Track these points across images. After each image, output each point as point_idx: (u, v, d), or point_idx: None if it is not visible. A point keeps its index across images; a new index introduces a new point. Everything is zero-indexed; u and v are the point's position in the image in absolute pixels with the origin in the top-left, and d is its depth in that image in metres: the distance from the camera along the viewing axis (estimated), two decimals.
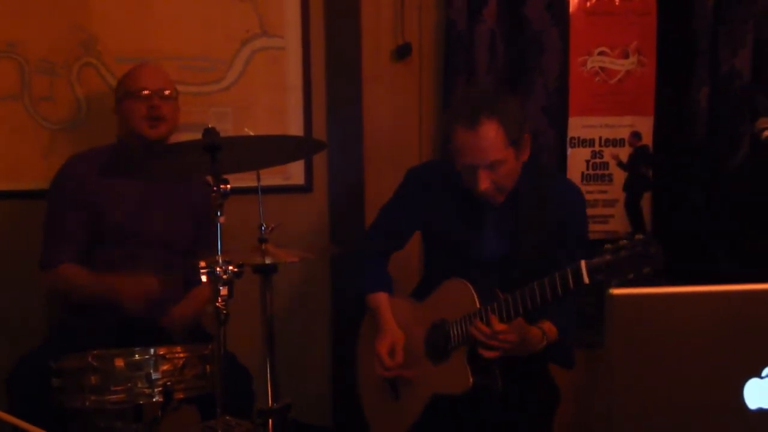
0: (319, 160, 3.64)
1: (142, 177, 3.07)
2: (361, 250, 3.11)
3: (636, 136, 3.74)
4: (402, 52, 3.63)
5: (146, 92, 3.08)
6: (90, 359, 2.52)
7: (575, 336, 2.96)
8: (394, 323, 2.95)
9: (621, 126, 3.74)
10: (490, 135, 2.65)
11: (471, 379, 2.66)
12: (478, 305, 2.68)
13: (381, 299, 3.00)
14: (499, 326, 2.57)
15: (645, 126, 3.75)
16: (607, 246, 2.31)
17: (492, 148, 2.66)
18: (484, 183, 2.68)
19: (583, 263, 2.36)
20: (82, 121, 3.48)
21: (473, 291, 2.71)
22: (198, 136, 2.39)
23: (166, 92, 3.11)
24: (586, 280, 2.35)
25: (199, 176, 3.14)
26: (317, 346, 3.73)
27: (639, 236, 2.28)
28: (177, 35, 3.52)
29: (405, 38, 3.63)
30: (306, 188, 3.68)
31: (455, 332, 2.74)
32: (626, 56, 3.71)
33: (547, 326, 2.69)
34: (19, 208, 3.46)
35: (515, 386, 2.71)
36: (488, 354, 2.60)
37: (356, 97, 3.64)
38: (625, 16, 3.71)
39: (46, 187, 3.24)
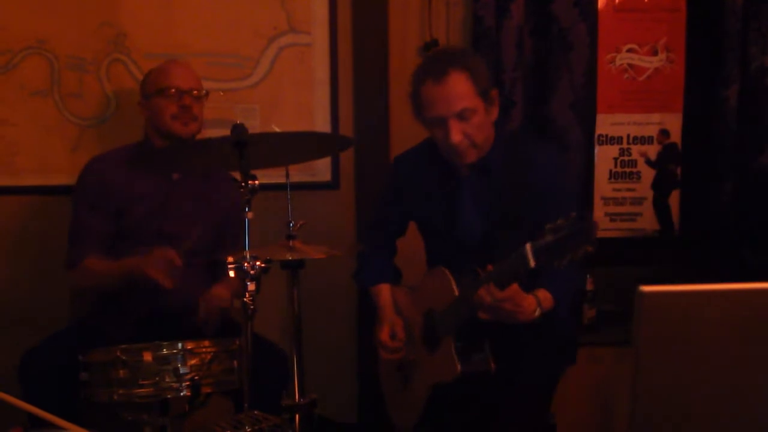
0: (346, 156, 3.65)
1: (170, 172, 3.10)
2: (362, 244, 3.15)
3: (664, 133, 3.72)
4: (429, 48, 3.62)
5: (178, 91, 3.07)
6: (118, 353, 2.54)
7: (574, 327, 2.92)
8: (392, 312, 2.99)
9: (649, 123, 3.72)
10: (459, 85, 2.66)
11: (459, 367, 2.66)
12: (456, 293, 2.68)
13: (381, 291, 3.04)
14: (500, 294, 2.50)
15: (674, 123, 3.73)
16: (548, 226, 2.24)
17: (461, 96, 2.65)
18: (456, 135, 2.67)
19: (528, 246, 2.30)
20: (111, 117, 3.51)
21: (451, 279, 2.71)
22: (226, 132, 2.40)
23: (196, 92, 3.11)
24: (532, 263, 2.30)
25: (226, 176, 3.15)
26: (344, 343, 3.74)
27: (574, 214, 2.21)
28: (205, 32, 3.53)
29: (432, 34, 3.62)
30: (333, 185, 3.69)
31: (441, 321, 2.75)
32: (655, 53, 3.69)
33: (542, 294, 2.63)
34: (47, 203, 3.49)
35: (509, 368, 2.68)
36: (484, 316, 2.58)
37: (383, 93, 3.64)
38: (653, 13, 3.69)
39: (74, 183, 3.27)
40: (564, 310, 2.74)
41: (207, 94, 3.16)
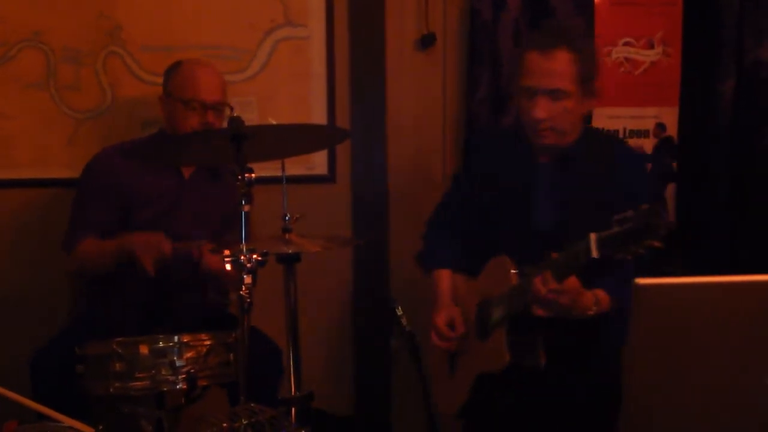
0: (343, 150, 3.64)
1: (166, 164, 3.09)
2: (430, 224, 3.08)
3: (660, 127, 3.73)
4: (426, 42, 3.62)
5: (203, 104, 3.04)
6: (115, 346, 2.54)
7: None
8: (449, 298, 2.91)
9: (645, 117, 3.72)
10: (562, 63, 2.63)
11: (508, 357, 2.59)
12: (514, 282, 2.62)
13: (441, 276, 2.96)
14: (557, 286, 2.45)
15: (670, 117, 3.73)
16: (616, 218, 2.20)
17: (559, 75, 2.63)
18: (541, 111, 2.64)
19: (593, 236, 2.27)
20: (108, 110, 3.49)
21: (512, 268, 2.64)
22: (222, 124, 2.40)
23: (221, 104, 3.08)
24: (594, 253, 2.25)
25: (231, 174, 3.13)
26: (340, 336, 3.74)
27: (644, 206, 2.16)
28: (202, 24, 3.52)
29: (429, 28, 3.61)
30: (329, 178, 3.68)
31: (495, 309, 2.69)
32: (651, 47, 3.69)
33: (601, 294, 2.58)
34: (44, 197, 3.48)
35: (561, 367, 2.63)
36: (538, 311, 2.51)
37: (380, 86, 3.64)
38: (650, 7, 3.69)
39: (71, 176, 3.27)
40: (622, 316, 2.68)
41: (232, 109, 3.13)
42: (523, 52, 2.71)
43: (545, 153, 2.79)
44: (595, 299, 2.57)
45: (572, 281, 2.47)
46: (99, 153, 3.16)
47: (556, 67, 2.63)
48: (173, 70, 3.14)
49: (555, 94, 2.64)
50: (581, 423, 2.68)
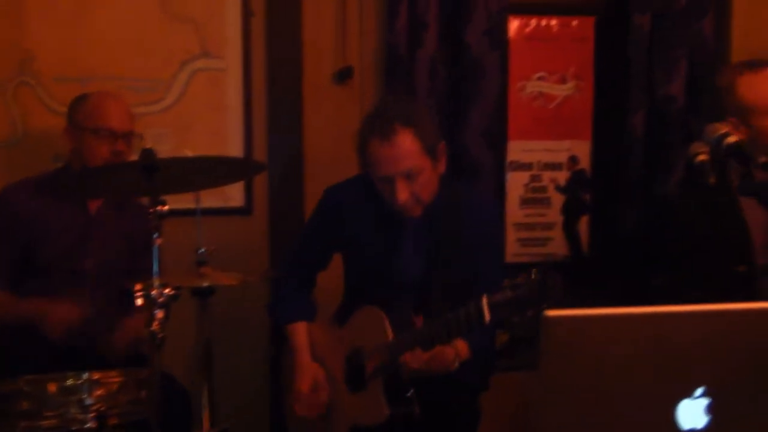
0: (259, 182, 3.62)
1: (79, 198, 3.03)
2: (280, 278, 3.08)
3: (573, 160, 3.80)
4: (343, 75, 3.63)
5: (113, 133, 3.00)
6: (21, 384, 2.46)
7: (491, 355, 2.96)
8: (309, 358, 2.92)
9: (559, 150, 3.79)
10: (406, 144, 2.65)
11: (387, 411, 2.63)
12: (390, 336, 2.65)
13: (297, 331, 2.97)
14: (427, 356, 2.55)
15: (583, 150, 3.80)
16: (507, 282, 2.27)
17: (408, 156, 2.65)
18: (403, 194, 2.66)
19: (484, 299, 2.31)
20: (18, 142, 3.42)
21: (386, 321, 2.68)
22: (137, 157, 2.37)
23: (131, 134, 3.05)
24: (487, 317, 2.30)
25: (137, 203, 3.10)
26: (256, 370, 3.69)
27: (536, 271, 2.23)
28: (116, 55, 3.48)
29: (346, 61, 3.63)
30: (246, 210, 3.66)
31: (371, 363, 2.72)
32: (564, 81, 3.77)
33: (460, 344, 2.65)
34: None
35: (434, 411, 2.67)
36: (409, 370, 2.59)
37: (297, 119, 3.64)
38: (563, 42, 3.77)
39: None
40: (479, 359, 2.75)
41: (142, 137, 3.09)
42: (365, 144, 2.73)
43: None
44: (455, 352, 2.64)
45: (437, 348, 2.54)
46: (0, 191, 3.09)
47: (402, 150, 2.65)
48: (80, 101, 3.10)
49: (411, 175, 2.67)
50: None
